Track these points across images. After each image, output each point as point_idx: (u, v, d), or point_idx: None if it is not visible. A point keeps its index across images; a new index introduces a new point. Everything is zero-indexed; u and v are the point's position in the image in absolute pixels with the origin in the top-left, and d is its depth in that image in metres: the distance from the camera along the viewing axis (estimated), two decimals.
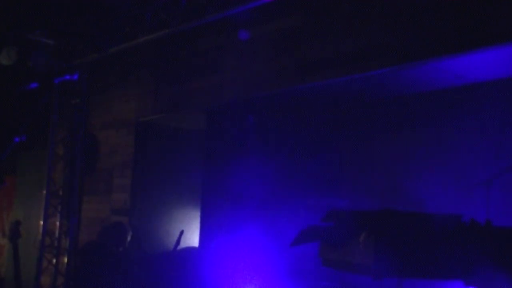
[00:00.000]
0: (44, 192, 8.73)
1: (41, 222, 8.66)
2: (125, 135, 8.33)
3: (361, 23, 5.57)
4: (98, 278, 6.83)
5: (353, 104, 6.65)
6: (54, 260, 8.74)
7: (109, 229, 7.53)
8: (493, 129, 5.61)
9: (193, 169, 8.09)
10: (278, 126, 7.27)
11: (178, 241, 6.90)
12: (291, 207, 6.58)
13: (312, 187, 6.82)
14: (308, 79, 5.99)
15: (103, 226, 7.88)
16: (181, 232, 6.95)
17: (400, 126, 6.50)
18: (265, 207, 6.94)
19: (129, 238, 7.29)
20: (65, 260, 8.66)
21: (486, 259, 4.08)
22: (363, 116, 6.69)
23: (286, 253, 5.92)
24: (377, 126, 6.65)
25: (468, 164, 5.70)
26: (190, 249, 7.74)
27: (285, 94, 6.39)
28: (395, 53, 5.28)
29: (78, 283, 7.87)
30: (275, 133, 7.23)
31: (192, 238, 7.85)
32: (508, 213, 5.13)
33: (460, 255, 4.15)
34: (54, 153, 8.85)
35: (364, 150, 6.84)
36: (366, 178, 6.69)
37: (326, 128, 7.10)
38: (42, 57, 8.12)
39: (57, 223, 8.89)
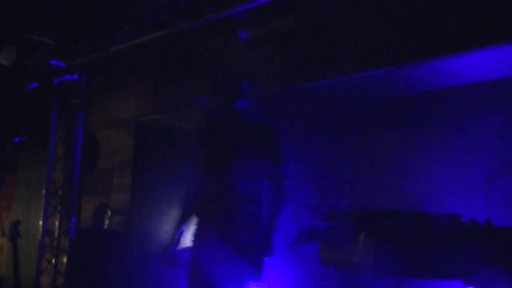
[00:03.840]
0: (44, 192, 8.71)
1: (41, 222, 8.65)
2: (124, 135, 8.32)
3: (361, 23, 5.56)
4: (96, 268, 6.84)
5: (352, 104, 6.64)
6: (54, 260, 8.73)
7: (95, 212, 7.65)
8: (492, 128, 5.60)
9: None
10: (277, 126, 7.25)
11: (177, 241, 6.89)
12: (290, 206, 6.56)
13: (311, 187, 6.82)
14: (307, 79, 5.98)
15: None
16: (180, 232, 6.93)
17: (400, 126, 6.50)
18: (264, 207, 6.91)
19: (107, 219, 7.38)
20: (65, 260, 8.64)
21: (486, 259, 4.08)
22: (362, 116, 6.68)
23: (285, 253, 5.91)
24: (376, 126, 6.65)
25: (467, 163, 5.70)
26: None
27: (285, 94, 6.38)
28: (395, 53, 5.27)
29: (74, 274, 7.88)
30: (275, 133, 7.21)
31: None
32: (507, 213, 5.13)
33: (460, 255, 4.15)
34: (53, 153, 8.84)
35: (364, 150, 6.84)
36: (365, 177, 6.69)
37: (325, 128, 7.09)
38: (41, 57, 8.10)
39: (57, 223, 8.89)
